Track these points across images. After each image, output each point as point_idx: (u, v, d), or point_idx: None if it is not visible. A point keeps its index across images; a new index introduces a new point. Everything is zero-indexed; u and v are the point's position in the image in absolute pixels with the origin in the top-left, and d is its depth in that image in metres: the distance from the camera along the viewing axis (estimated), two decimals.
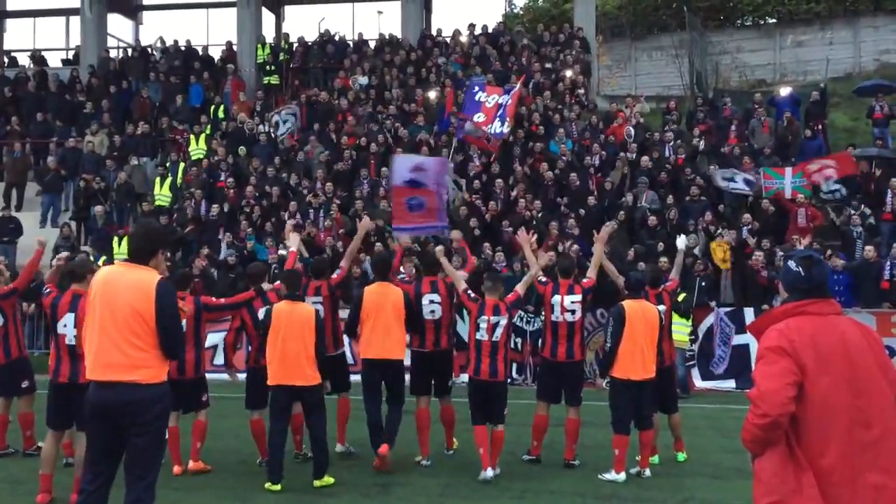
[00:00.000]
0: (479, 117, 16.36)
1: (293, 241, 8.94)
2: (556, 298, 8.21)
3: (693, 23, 25.40)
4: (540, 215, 16.14)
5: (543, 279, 8.46)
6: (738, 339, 13.14)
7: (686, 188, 16.41)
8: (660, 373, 8.01)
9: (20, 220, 18.41)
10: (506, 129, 16.53)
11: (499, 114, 16.34)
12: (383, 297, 8.01)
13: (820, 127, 18.69)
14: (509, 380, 13.22)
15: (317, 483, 7.34)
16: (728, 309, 13.48)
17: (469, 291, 7.99)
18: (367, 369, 8.02)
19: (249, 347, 8.34)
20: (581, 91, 20.48)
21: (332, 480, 7.40)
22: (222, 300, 8.46)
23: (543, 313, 8.56)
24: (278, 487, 7.27)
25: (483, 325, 7.71)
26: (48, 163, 20.03)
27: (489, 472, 7.56)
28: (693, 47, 24.54)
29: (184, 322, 7.28)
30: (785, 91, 19.54)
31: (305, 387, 7.34)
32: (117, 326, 4.74)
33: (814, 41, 27.24)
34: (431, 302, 8.23)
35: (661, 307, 8.43)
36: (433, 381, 8.36)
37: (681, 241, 9.70)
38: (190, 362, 7.72)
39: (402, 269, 11.61)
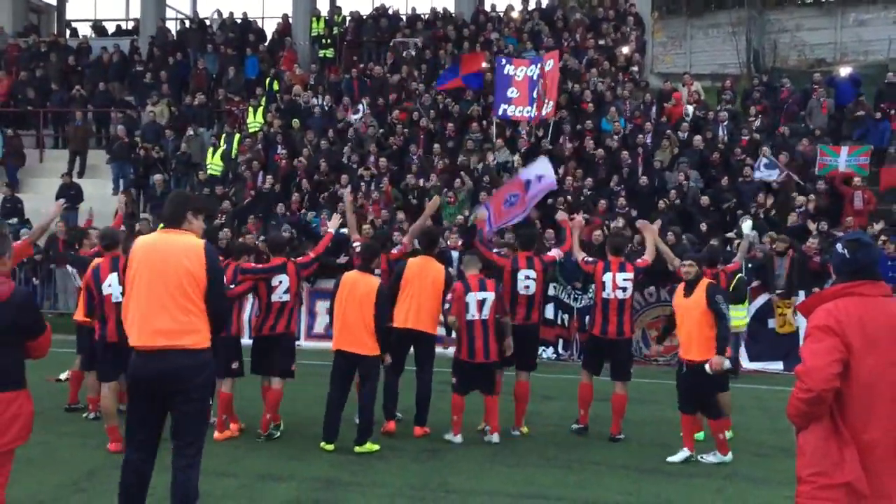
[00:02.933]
0: (513, 92, 16.56)
1: (332, 223, 9.03)
2: (608, 276, 8.33)
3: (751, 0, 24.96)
4: (590, 193, 16.19)
5: (590, 259, 8.69)
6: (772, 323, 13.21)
7: (739, 169, 16.27)
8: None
9: (81, 187, 18.98)
10: (546, 111, 16.64)
11: (534, 94, 16.48)
12: (424, 270, 8.20)
13: (894, 111, 18.28)
14: (554, 355, 13.69)
15: (357, 449, 7.55)
16: (780, 292, 13.40)
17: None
18: (397, 338, 8.09)
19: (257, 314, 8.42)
20: (635, 68, 20.33)
21: (376, 447, 7.61)
22: (259, 265, 8.65)
23: (594, 290, 8.67)
24: (332, 447, 7.55)
25: (471, 303, 8.01)
26: (117, 131, 20.48)
27: (458, 438, 8.04)
28: (751, 25, 24.15)
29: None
30: (845, 71, 19.20)
31: (362, 356, 7.56)
32: (168, 290, 4.72)
33: (876, 20, 26.53)
34: (527, 277, 8.38)
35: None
36: (519, 356, 8.41)
37: (746, 226, 9.77)
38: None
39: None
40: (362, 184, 17.31)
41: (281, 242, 8.64)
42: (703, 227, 14.73)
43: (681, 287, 7.63)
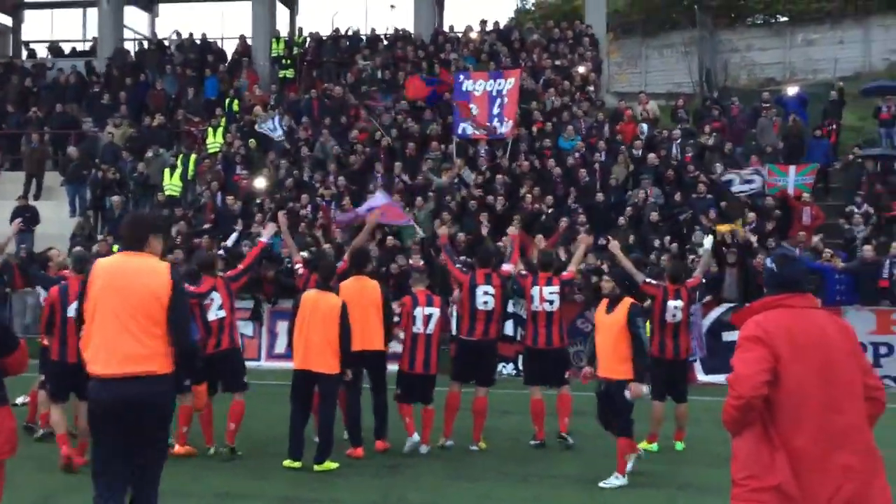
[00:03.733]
0: (474, 109, 16.85)
1: (267, 233, 9.16)
2: (536, 290, 8.73)
3: (703, 20, 25.62)
4: (550, 211, 16.45)
5: (524, 272, 9.05)
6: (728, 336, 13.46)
7: (692, 186, 16.67)
8: (676, 364, 8.69)
9: (37, 209, 18.81)
10: (505, 129, 16.94)
11: (494, 111, 16.77)
12: (361, 290, 8.29)
13: (834, 126, 18.88)
14: (514, 371, 13.89)
15: (317, 468, 7.61)
16: (730, 305, 13.74)
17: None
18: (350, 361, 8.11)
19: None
20: (591, 88, 20.73)
21: (334, 466, 7.68)
22: (239, 266, 8.84)
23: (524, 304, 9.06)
24: (299, 464, 7.61)
25: (418, 317, 8.37)
26: (69, 153, 20.38)
27: (415, 437, 8.36)
28: (702, 45, 24.76)
29: None
30: (792, 90, 19.78)
31: (323, 374, 7.64)
32: (132, 312, 4.59)
33: (824, 40, 27.42)
34: (485, 293, 8.57)
35: (679, 302, 8.76)
36: (477, 371, 8.63)
37: (707, 241, 10.10)
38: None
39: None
40: (322, 203, 17.41)
41: (209, 262, 8.68)
42: (657, 242, 15.06)
43: (603, 303, 7.58)
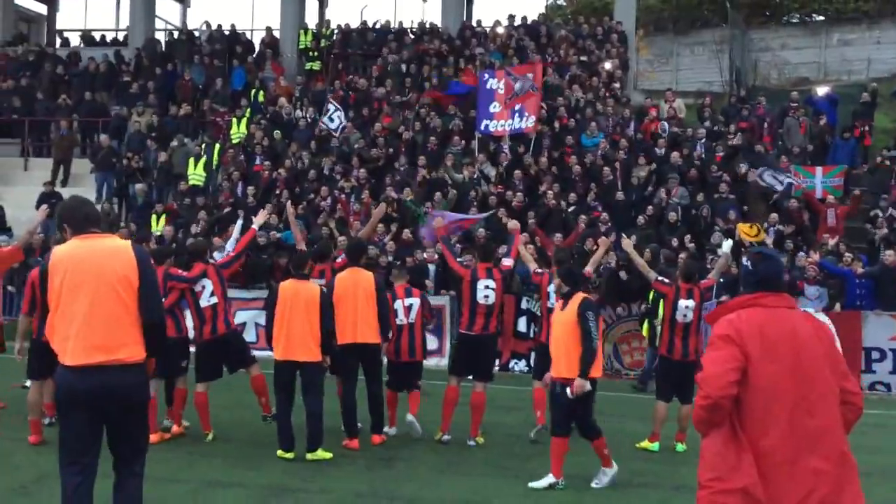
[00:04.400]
0: (495, 107, 16.71)
1: (258, 219, 9.19)
2: (552, 287, 8.55)
3: (734, 18, 25.23)
4: (572, 208, 16.31)
5: (539, 270, 9.05)
6: None
7: (715, 186, 16.43)
8: (685, 365, 8.49)
9: (62, 196, 19.04)
10: (525, 125, 16.80)
11: (516, 107, 16.64)
12: (355, 282, 8.22)
13: (867, 128, 18.48)
14: (526, 368, 13.81)
15: (309, 456, 7.62)
16: None
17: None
18: (344, 354, 8.16)
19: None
20: (616, 85, 20.52)
21: (328, 455, 7.68)
22: (230, 253, 9.02)
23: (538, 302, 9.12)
24: (292, 455, 7.63)
25: (399, 309, 8.63)
26: (100, 140, 20.64)
27: (393, 430, 8.73)
28: (734, 43, 24.38)
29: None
30: (822, 90, 19.43)
31: (305, 362, 7.65)
32: (102, 301, 4.45)
33: (860, 40, 26.80)
34: (486, 287, 8.52)
35: (691, 302, 8.66)
36: (476, 365, 8.60)
37: (726, 244, 9.98)
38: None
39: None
40: (342, 195, 17.44)
41: (199, 249, 8.78)
42: (675, 242, 14.85)
43: (559, 302, 7.37)
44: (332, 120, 19.54)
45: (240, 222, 9.90)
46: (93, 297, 4.44)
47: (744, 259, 4.09)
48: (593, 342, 6.87)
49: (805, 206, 15.74)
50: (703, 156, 17.44)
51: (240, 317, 15.02)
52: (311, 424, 7.73)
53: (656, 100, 20.13)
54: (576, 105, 19.50)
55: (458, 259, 9.17)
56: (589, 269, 9.05)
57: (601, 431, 7.17)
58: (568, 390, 6.85)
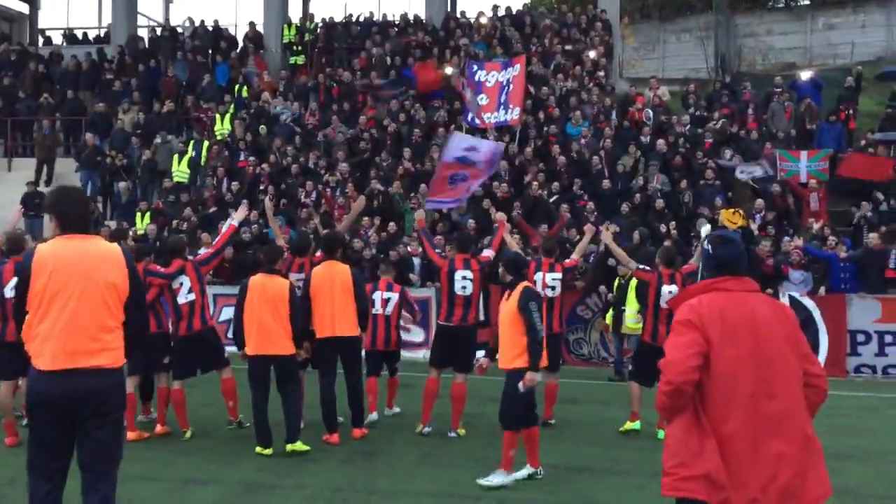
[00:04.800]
0: (483, 99, 16.61)
1: (238, 215, 9.12)
2: (539, 275, 8.73)
3: (719, 4, 25.18)
4: (556, 198, 16.28)
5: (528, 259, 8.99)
6: None
7: (700, 172, 16.40)
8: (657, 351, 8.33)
9: (45, 195, 18.90)
10: (510, 117, 16.72)
11: (501, 100, 16.56)
12: (331, 275, 8.15)
13: (852, 112, 18.46)
14: None
15: (289, 447, 7.59)
16: None
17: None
18: (322, 347, 8.14)
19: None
20: (601, 73, 20.46)
21: (306, 448, 7.63)
22: (209, 249, 8.98)
23: None
24: (270, 451, 7.59)
25: (377, 300, 9.13)
26: (85, 139, 20.50)
27: (374, 415, 9.01)
28: (718, 29, 24.35)
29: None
30: (806, 75, 19.39)
31: (278, 356, 7.62)
32: (89, 306, 4.28)
33: (845, 24, 26.84)
34: (464, 278, 8.51)
35: (674, 287, 8.62)
36: (455, 356, 8.54)
37: (704, 229, 9.97)
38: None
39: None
40: (327, 190, 17.37)
41: (178, 246, 8.76)
42: (663, 228, 14.83)
43: (506, 293, 7.07)
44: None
45: (229, 220, 9.76)
46: (77, 301, 4.27)
47: (704, 244, 4.05)
48: (538, 333, 6.61)
49: (789, 191, 15.74)
50: (687, 143, 17.39)
51: (226, 313, 14.96)
52: (289, 419, 7.69)
53: (641, 88, 20.06)
54: (561, 94, 19.43)
55: (437, 250, 9.10)
56: (575, 256, 9.11)
57: (536, 420, 7.04)
58: (520, 384, 6.61)
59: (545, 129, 18.32)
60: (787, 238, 13.96)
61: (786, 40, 27.01)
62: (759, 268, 13.46)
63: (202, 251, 10.74)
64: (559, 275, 8.80)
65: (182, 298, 8.27)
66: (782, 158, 16.14)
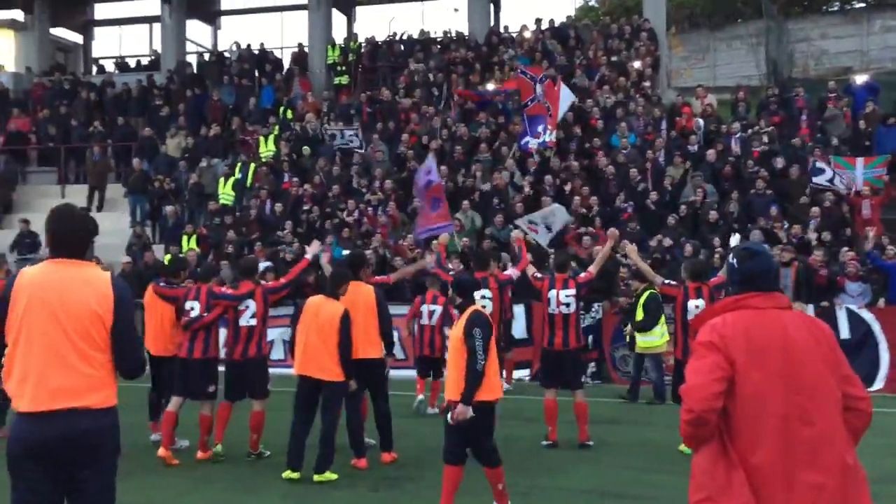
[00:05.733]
0: (539, 121, 16.51)
1: (312, 249, 8.97)
2: (553, 293, 8.55)
3: (769, 10, 24.54)
4: (597, 210, 15.91)
5: (539, 275, 8.86)
6: None
7: (751, 182, 15.87)
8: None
9: (97, 220, 19.16)
10: (549, 138, 16.48)
11: (542, 123, 16.38)
12: (355, 296, 7.88)
13: None
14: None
15: (317, 478, 7.39)
16: None
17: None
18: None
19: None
20: (647, 84, 20.03)
21: (334, 476, 7.45)
22: (281, 280, 8.79)
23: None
24: (297, 475, 7.41)
25: (424, 312, 10.25)
26: (133, 164, 20.83)
27: (422, 396, 10.23)
28: (769, 35, 23.71)
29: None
30: (861, 79, 18.68)
31: (325, 381, 7.43)
32: (69, 338, 3.84)
33: None
34: (483, 297, 8.55)
35: (700, 302, 8.38)
36: None
37: (734, 240, 9.69)
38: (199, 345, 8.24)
39: (449, 264, 12.01)
40: (369, 208, 17.27)
41: (251, 267, 8.71)
42: (717, 241, 14.30)
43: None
44: (335, 137, 19.47)
45: (304, 255, 9.45)
46: (58, 333, 3.83)
47: (729, 256, 3.70)
48: (477, 363, 5.88)
49: (844, 199, 15.11)
50: (739, 152, 16.86)
51: (270, 334, 14.91)
52: (323, 446, 7.49)
53: (688, 97, 19.57)
54: (605, 106, 19.07)
55: (450, 272, 8.97)
56: (592, 270, 8.84)
57: (500, 461, 6.31)
58: (449, 416, 5.99)
59: (587, 143, 17.95)
60: (845, 248, 13.35)
61: (841, 44, 26.22)
62: (813, 280, 12.92)
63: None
64: (573, 291, 8.59)
65: (244, 321, 8.23)
66: (837, 166, 15.49)
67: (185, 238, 17.78)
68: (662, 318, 11.45)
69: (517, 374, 13.05)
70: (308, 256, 8.86)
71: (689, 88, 23.18)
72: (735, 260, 3.63)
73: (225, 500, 6.96)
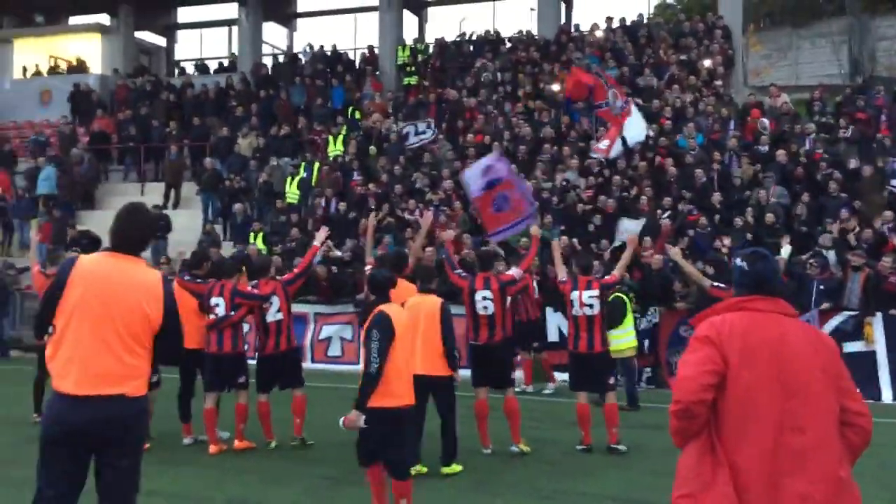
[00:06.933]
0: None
1: (319, 237, 8.98)
2: (575, 294, 8.43)
3: (853, 6, 23.58)
4: (668, 213, 15.51)
5: (563, 278, 8.68)
6: (849, 347, 12.00)
7: (824, 184, 15.26)
8: None
9: (171, 218, 19.80)
10: (614, 152, 16.14)
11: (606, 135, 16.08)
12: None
13: None
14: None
15: (444, 470, 7.48)
16: (852, 314, 12.39)
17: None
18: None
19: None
20: (718, 82, 19.49)
21: (459, 468, 7.53)
22: (295, 270, 9.00)
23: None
24: (425, 469, 7.39)
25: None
26: (205, 163, 21.44)
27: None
28: (852, 33, 22.79)
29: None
30: None
31: (434, 377, 7.24)
32: (117, 331, 4.09)
33: None
34: (484, 298, 8.34)
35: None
36: (491, 374, 8.34)
37: (785, 250, 9.44)
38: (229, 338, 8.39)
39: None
40: (432, 207, 17.29)
41: (265, 267, 8.91)
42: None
43: None
44: (408, 136, 19.50)
45: (313, 242, 9.58)
46: (108, 325, 4.08)
47: (736, 259, 3.63)
48: (370, 366, 5.51)
49: None
50: (811, 152, 16.24)
51: (325, 331, 15.15)
52: (446, 437, 7.54)
53: (761, 96, 18.96)
54: (675, 106, 18.64)
55: (458, 271, 8.77)
56: (616, 273, 8.70)
57: (409, 474, 5.99)
58: (341, 421, 5.60)
59: (653, 142, 17.56)
60: None
61: None
62: (883, 286, 12.34)
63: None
64: (596, 292, 8.40)
65: (270, 317, 8.44)
66: None
67: (252, 235, 18.18)
68: (631, 320, 11.04)
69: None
70: (317, 243, 8.98)
71: (766, 88, 22.50)
72: (745, 263, 3.59)
73: (250, 491, 7.06)
